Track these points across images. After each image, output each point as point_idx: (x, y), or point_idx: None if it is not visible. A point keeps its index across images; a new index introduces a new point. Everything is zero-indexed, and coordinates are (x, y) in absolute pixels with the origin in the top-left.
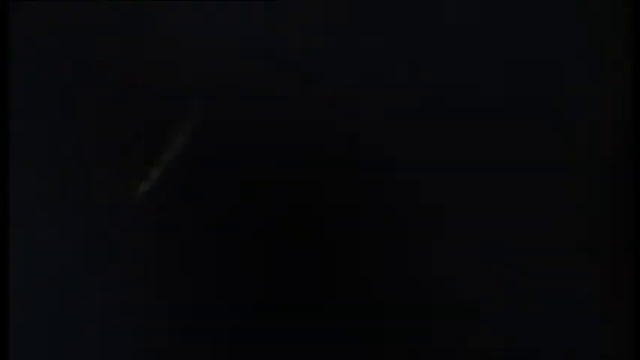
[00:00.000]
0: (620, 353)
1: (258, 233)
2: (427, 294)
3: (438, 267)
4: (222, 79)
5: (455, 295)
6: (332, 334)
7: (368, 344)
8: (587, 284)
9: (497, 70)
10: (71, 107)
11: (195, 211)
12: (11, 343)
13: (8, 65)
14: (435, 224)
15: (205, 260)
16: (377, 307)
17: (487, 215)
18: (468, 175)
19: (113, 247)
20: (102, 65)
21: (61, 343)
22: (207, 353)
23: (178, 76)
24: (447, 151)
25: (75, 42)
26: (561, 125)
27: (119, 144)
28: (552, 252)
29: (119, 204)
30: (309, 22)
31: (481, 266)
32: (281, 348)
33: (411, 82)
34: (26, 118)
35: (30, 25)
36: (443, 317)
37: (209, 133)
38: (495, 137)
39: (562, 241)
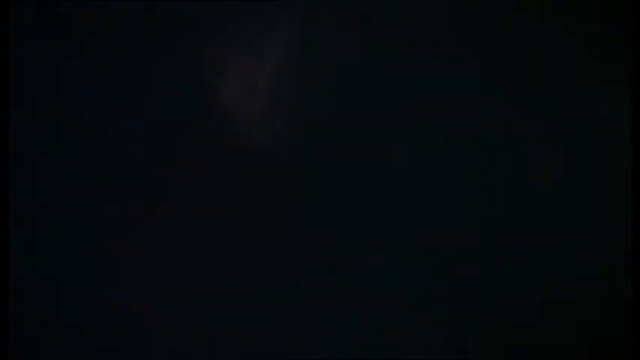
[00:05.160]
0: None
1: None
2: None
3: None
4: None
5: None
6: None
7: None
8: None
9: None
10: (71, 108)
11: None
12: (11, 343)
13: (8, 65)
14: None
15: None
16: None
17: None
18: None
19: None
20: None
21: (60, 342)
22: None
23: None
24: None
25: (75, 42)
26: None
27: (119, 144)
28: None
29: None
30: None
31: None
32: None
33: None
34: (26, 119)
35: (30, 25)
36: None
37: None
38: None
39: None
